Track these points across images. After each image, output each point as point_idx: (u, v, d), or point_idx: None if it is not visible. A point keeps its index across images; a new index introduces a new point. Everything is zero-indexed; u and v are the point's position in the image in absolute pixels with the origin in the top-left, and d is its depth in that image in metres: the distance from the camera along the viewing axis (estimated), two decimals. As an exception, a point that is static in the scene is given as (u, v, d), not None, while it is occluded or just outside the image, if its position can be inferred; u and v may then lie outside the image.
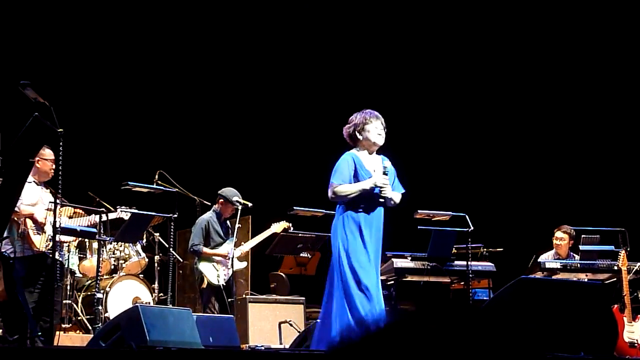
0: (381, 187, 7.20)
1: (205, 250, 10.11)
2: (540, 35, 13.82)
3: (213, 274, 10.04)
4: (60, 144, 7.89)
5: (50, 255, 8.26)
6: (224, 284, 10.00)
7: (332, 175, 7.28)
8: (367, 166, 7.31)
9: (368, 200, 7.22)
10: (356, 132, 7.35)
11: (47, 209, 8.44)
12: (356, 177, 7.24)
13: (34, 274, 8.43)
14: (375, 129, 7.35)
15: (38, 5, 12.56)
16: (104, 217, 9.07)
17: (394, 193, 7.35)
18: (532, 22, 13.83)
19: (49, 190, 8.68)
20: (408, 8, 14.04)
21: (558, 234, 10.78)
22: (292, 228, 10.42)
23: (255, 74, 13.85)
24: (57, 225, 7.83)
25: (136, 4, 13.29)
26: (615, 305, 9.72)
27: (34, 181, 8.69)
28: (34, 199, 8.53)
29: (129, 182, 9.60)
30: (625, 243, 10.14)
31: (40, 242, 8.44)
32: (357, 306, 6.89)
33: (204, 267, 10.10)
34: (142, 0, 13.36)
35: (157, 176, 10.31)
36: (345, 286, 7.01)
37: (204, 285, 10.09)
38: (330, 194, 7.26)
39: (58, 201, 7.91)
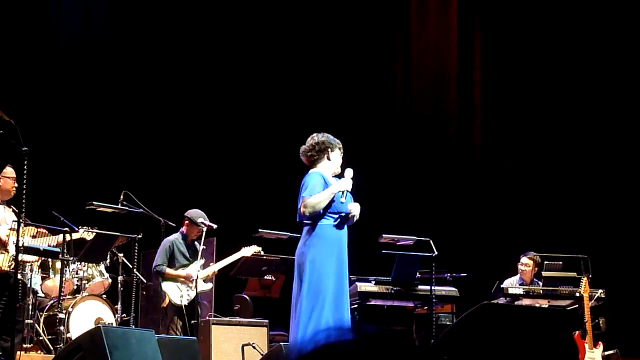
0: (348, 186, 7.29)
1: (168, 271, 10.10)
2: (501, 67, 13.97)
3: (176, 293, 10.03)
4: (25, 162, 7.85)
5: (13, 275, 8.21)
6: (186, 304, 9.98)
7: (301, 191, 7.31)
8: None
9: (336, 218, 7.29)
10: (328, 150, 7.41)
11: (10, 229, 8.38)
12: None
13: None
14: (340, 154, 7.49)
15: (1, 23, 12.50)
16: (67, 238, 9.01)
17: (355, 205, 7.42)
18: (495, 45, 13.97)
19: (11, 209, 8.61)
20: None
21: (523, 259, 10.86)
22: (262, 252, 10.41)
23: (220, 96, 13.85)
24: (20, 245, 7.77)
25: (100, 23, 13.28)
26: (577, 332, 9.79)
27: None
28: None
29: (94, 202, 9.56)
30: (587, 270, 10.22)
31: (3, 261, 8.37)
32: (324, 319, 6.92)
33: (167, 286, 10.09)
34: (107, 19, 13.35)
35: (122, 196, 10.26)
36: (315, 301, 7.04)
37: (165, 304, 10.08)
38: (302, 208, 7.23)
39: (21, 220, 7.85)
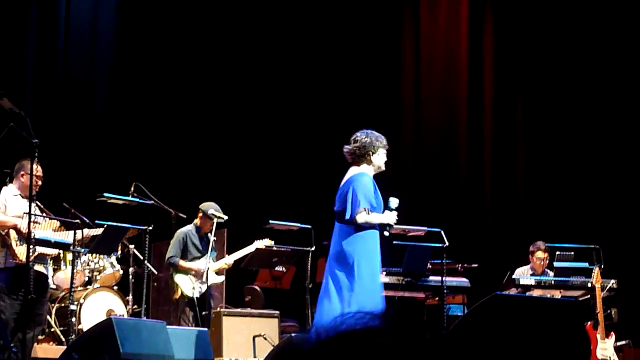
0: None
1: (181, 263, 10.11)
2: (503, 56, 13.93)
3: (188, 286, 10.04)
4: (36, 154, 7.86)
5: (33, 267, 8.25)
6: (198, 297, 9.99)
7: (357, 199, 7.38)
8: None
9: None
10: (369, 153, 7.49)
11: (33, 222, 8.43)
12: (375, 199, 7.48)
13: (16, 284, 8.40)
14: (384, 155, 7.58)
15: (12, 15, 12.50)
16: (88, 232, 9.10)
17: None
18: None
19: (35, 204, 8.65)
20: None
21: (539, 254, 10.81)
22: (274, 246, 10.40)
23: (232, 87, 13.84)
24: (32, 237, 7.80)
25: (110, 15, 13.28)
26: (589, 322, 9.76)
27: (19, 194, 8.70)
28: (20, 211, 8.52)
29: (105, 194, 9.57)
30: (599, 260, 10.19)
31: (24, 253, 8.39)
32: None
33: (179, 278, 10.11)
34: (116, 10, 13.34)
35: (132, 188, 10.27)
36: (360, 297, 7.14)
37: (177, 296, 10.10)
38: (360, 219, 7.35)
39: (44, 214, 7.91)
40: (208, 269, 9.98)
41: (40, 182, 8.68)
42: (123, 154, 12.85)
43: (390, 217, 7.51)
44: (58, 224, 8.96)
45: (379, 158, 7.54)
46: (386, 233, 7.52)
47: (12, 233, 8.48)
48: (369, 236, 7.39)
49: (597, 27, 13.50)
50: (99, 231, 9.37)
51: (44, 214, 8.76)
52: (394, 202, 7.60)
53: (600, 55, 13.45)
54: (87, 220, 9.52)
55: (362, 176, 7.45)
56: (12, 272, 8.45)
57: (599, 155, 13.34)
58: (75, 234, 8.90)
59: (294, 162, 13.55)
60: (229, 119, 13.78)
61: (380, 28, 14.29)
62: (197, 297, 9.98)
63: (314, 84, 14.02)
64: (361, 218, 7.33)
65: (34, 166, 8.65)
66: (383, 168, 7.62)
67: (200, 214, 10.26)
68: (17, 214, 8.55)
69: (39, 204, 8.69)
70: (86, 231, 9.16)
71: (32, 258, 8.26)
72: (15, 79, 11.89)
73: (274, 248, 10.33)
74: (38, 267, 8.57)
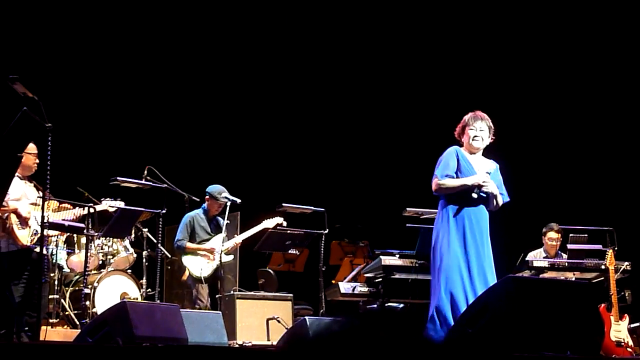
0: (483, 185, 7.44)
1: (189, 245, 10.16)
2: (527, 40, 13.86)
3: (196, 266, 10.10)
4: (49, 138, 7.85)
5: (35, 250, 8.23)
6: (206, 276, 10.04)
7: (436, 168, 7.49)
8: (472, 163, 7.56)
9: (470, 197, 7.43)
10: (464, 129, 7.66)
11: (32, 204, 8.40)
12: (459, 171, 7.48)
13: (18, 268, 8.35)
14: (472, 131, 7.60)
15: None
16: (90, 211, 9.03)
17: (498, 195, 7.59)
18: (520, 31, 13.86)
19: (32, 184, 8.61)
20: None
21: (551, 234, 10.79)
22: (285, 224, 10.41)
23: (243, 70, 13.83)
24: (45, 220, 7.78)
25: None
26: (603, 305, 9.75)
27: (17, 175, 8.63)
28: (18, 193, 8.45)
29: (118, 177, 9.60)
30: (613, 242, 10.17)
31: (25, 237, 8.37)
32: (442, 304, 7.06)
33: (187, 260, 10.18)
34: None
35: (146, 171, 10.29)
36: (440, 278, 7.23)
37: (184, 278, 10.17)
38: (433, 186, 7.45)
39: (46, 196, 7.86)
40: (221, 250, 10.02)
41: (37, 161, 8.57)
42: (136, 137, 12.86)
43: (474, 178, 7.46)
44: (57, 203, 8.91)
45: (466, 137, 7.63)
46: (474, 195, 7.44)
47: (13, 217, 8.40)
48: (450, 210, 7.40)
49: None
50: (98, 208, 9.27)
51: (46, 196, 8.65)
52: (491, 165, 7.67)
53: (614, 38, 13.38)
54: (97, 201, 9.51)
55: (447, 150, 7.57)
56: (15, 255, 8.38)
57: (613, 136, 13.28)
58: (89, 213, 8.86)
59: (307, 145, 13.53)
60: (243, 102, 13.78)
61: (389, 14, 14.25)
62: (204, 277, 10.03)
63: (327, 66, 13.98)
64: (433, 185, 7.44)
65: (30, 145, 8.61)
66: (472, 144, 7.63)
67: (208, 197, 10.30)
68: (16, 196, 8.45)
69: (35, 183, 8.62)
70: (79, 211, 9.05)
71: (34, 241, 8.25)
72: (29, 63, 11.89)
73: (287, 231, 10.33)
74: (38, 249, 8.46)
